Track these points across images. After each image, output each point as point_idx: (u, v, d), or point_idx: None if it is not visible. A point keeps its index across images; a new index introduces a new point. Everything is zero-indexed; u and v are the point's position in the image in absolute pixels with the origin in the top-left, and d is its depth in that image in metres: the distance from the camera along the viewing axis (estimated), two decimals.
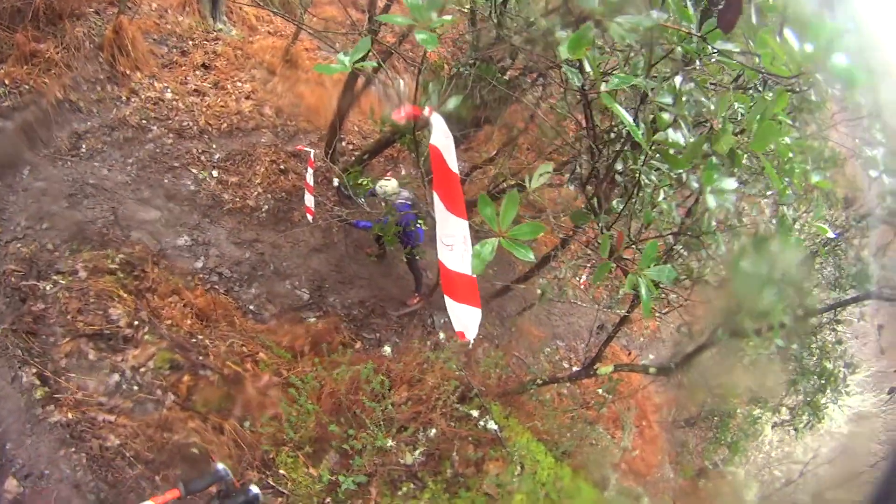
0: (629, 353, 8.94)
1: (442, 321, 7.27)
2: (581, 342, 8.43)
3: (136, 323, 5.89)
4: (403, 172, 8.62)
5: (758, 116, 2.36)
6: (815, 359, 6.47)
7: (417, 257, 6.99)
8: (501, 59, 5.39)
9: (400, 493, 5.47)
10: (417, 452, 5.63)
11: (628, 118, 2.51)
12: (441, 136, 3.15)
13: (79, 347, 5.59)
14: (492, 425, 5.98)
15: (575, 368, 7.57)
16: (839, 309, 6.33)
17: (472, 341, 3.66)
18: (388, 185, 6.54)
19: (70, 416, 5.17)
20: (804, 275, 5.53)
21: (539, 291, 6.50)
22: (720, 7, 2.29)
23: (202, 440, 5.35)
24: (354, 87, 7.65)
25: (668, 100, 2.67)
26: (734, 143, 2.66)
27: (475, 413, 5.96)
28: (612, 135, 3.47)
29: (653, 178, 3.17)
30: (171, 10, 9.07)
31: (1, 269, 5.92)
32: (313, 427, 5.47)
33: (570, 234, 6.62)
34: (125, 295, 6.02)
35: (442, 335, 6.95)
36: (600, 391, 7.37)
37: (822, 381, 6.56)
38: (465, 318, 3.59)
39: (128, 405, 5.42)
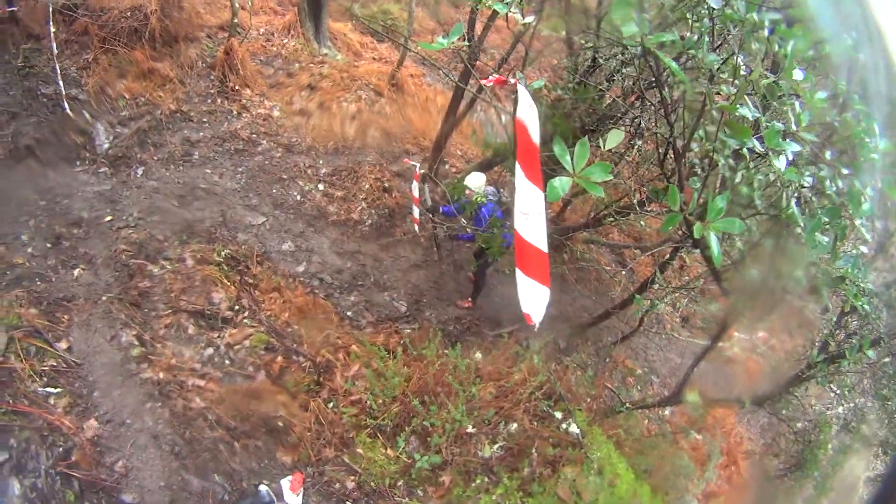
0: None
1: (536, 346, 7.54)
2: (676, 379, 8.30)
3: (236, 307, 6.62)
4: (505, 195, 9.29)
5: None
6: None
7: (491, 261, 7.37)
8: (599, 82, 5.79)
9: (473, 485, 5.79)
10: (496, 446, 5.96)
11: (674, 64, 2.84)
12: (526, 108, 3.36)
13: (179, 321, 6.32)
14: (574, 429, 6.25)
15: (669, 409, 7.80)
16: None
17: (537, 325, 3.67)
18: (478, 179, 6.97)
19: (161, 375, 5.83)
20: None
21: (640, 312, 6.88)
22: None
23: (287, 413, 5.91)
24: (457, 110, 8.49)
25: (716, 58, 3.02)
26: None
27: (559, 415, 6.27)
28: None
29: (729, 159, 3.37)
30: (276, 34, 10.33)
31: (112, 249, 6.83)
32: (395, 409, 5.91)
33: (666, 257, 7.00)
34: (228, 284, 6.79)
35: (535, 359, 7.18)
36: (689, 428, 7.56)
37: None
38: (534, 297, 3.64)
39: (218, 374, 6.06)
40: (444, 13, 11.51)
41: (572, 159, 2.81)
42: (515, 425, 6.11)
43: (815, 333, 5.73)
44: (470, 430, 5.88)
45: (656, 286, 6.65)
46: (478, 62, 8.05)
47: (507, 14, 4.18)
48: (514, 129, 3.47)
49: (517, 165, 3.50)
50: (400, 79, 10.15)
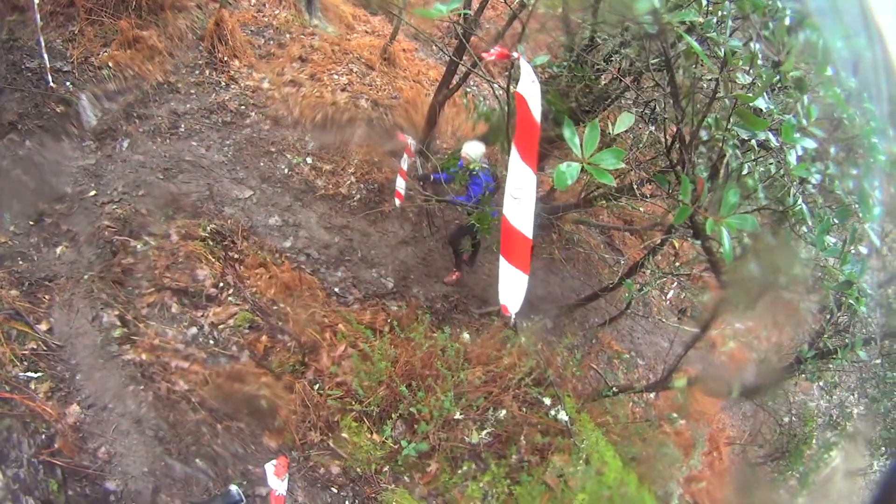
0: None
1: (524, 325, 7.48)
2: (661, 363, 8.47)
3: (220, 285, 6.46)
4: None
5: None
6: None
7: (478, 238, 7.21)
8: (596, 61, 5.68)
9: (460, 471, 5.71)
10: (484, 433, 5.86)
11: (697, 45, 2.73)
12: (528, 83, 3.29)
13: (162, 300, 6.16)
14: (563, 416, 6.16)
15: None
16: None
17: (513, 316, 3.75)
18: (476, 147, 6.88)
19: (144, 357, 5.69)
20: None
21: (629, 297, 6.84)
22: None
23: (272, 394, 5.78)
24: (450, 83, 8.36)
25: (738, 43, 2.90)
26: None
27: (547, 401, 6.19)
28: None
29: (737, 150, 3.34)
30: (268, 5, 10.02)
31: (96, 225, 6.63)
32: (382, 393, 5.77)
33: (657, 243, 6.91)
34: (213, 260, 6.62)
35: (522, 339, 7.13)
36: (674, 415, 7.54)
37: None
38: (513, 286, 3.72)
39: (202, 355, 5.91)
40: None
41: (581, 143, 2.66)
42: (504, 412, 6.02)
43: (805, 328, 5.61)
44: (458, 416, 5.76)
45: (648, 272, 6.61)
46: (473, 37, 7.87)
47: None
48: (513, 104, 3.39)
49: (513, 146, 3.41)
50: (392, 53, 9.93)
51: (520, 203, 3.47)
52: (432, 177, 7.49)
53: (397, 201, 7.51)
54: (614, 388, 6.78)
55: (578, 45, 5.97)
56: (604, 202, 7.05)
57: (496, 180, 6.89)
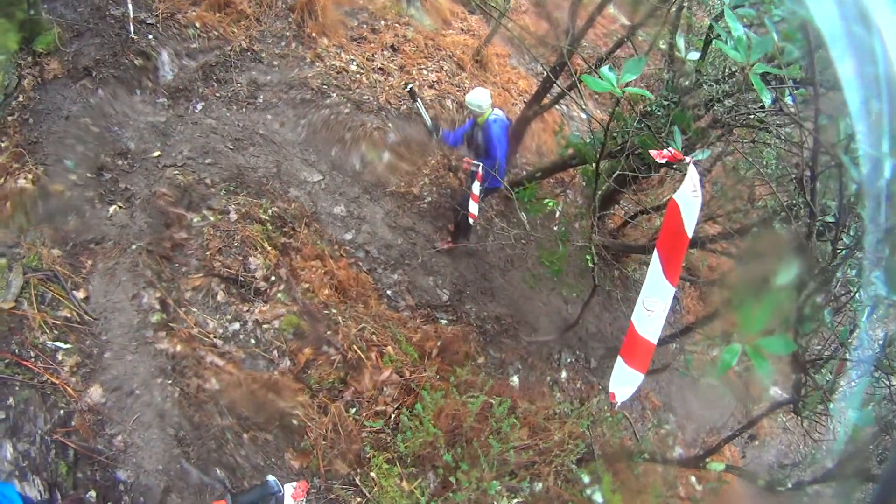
0: (743, 456, 8.37)
1: (567, 360, 7.14)
2: (691, 422, 7.97)
3: (272, 278, 5.94)
4: (570, 198, 8.58)
5: None
6: None
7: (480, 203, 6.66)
8: (696, 105, 5.21)
9: None
10: (514, 502, 5.31)
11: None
12: (688, 191, 3.03)
13: (209, 285, 5.67)
14: (598, 497, 5.64)
15: (679, 449, 7.35)
16: None
17: (619, 404, 3.76)
18: (482, 95, 6.23)
19: (179, 348, 5.23)
20: None
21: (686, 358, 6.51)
22: None
23: (304, 415, 5.24)
24: (542, 100, 7.71)
25: None
26: None
27: (586, 478, 5.65)
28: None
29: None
30: None
31: (152, 190, 6.15)
32: (421, 440, 5.21)
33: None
34: (269, 248, 6.11)
35: (564, 374, 6.90)
36: (698, 486, 6.95)
37: None
38: (626, 380, 3.56)
39: (240, 355, 5.41)
40: None
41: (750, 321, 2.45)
42: (540, 485, 5.45)
43: None
44: (497, 487, 5.13)
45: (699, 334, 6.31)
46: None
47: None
48: (666, 211, 3.08)
49: (655, 254, 3.20)
50: (485, 55, 9.30)
51: (651, 315, 3.26)
52: (441, 132, 6.84)
53: (471, 220, 6.84)
54: (646, 455, 6.24)
55: (680, 84, 5.43)
56: None
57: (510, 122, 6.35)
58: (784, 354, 2.54)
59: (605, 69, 2.85)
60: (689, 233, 3.05)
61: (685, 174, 3.09)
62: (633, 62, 2.86)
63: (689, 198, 2.99)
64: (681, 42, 3.98)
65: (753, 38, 2.88)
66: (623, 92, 2.89)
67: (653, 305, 3.21)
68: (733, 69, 4.70)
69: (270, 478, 4.77)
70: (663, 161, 3.25)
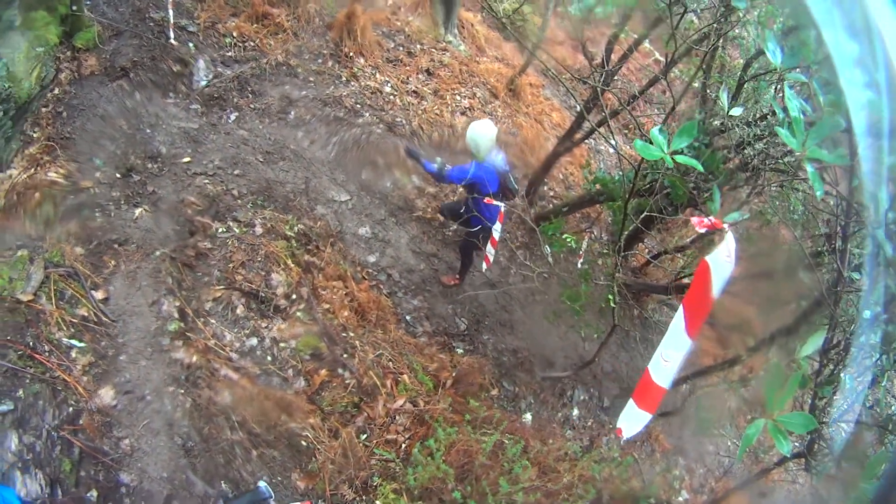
0: None
1: (581, 398, 7.01)
2: (701, 466, 7.73)
3: (293, 296, 5.82)
4: (595, 233, 8.46)
5: None
6: None
7: (479, 240, 6.30)
8: (726, 147, 5.26)
9: None
10: None
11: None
12: (722, 255, 3.00)
13: (229, 298, 5.57)
14: None
15: (685, 494, 7.17)
16: None
17: (625, 439, 3.90)
18: (487, 129, 5.73)
19: (194, 359, 5.13)
20: None
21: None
22: None
23: (314, 437, 5.13)
24: (574, 135, 7.64)
25: None
26: None
27: None
28: None
29: None
30: (403, 9, 9.51)
31: (181, 198, 6.09)
32: (430, 473, 5.03)
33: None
34: (292, 265, 6.00)
35: (576, 412, 6.79)
36: None
37: None
38: (635, 419, 3.70)
39: (255, 371, 5.30)
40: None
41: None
42: None
43: None
44: None
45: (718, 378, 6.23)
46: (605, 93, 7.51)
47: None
48: (696, 270, 3.13)
49: (681, 309, 3.24)
50: (519, 85, 9.27)
51: (668, 364, 3.35)
52: (445, 171, 5.87)
53: (485, 266, 6.68)
54: (651, 501, 6.08)
55: (711, 125, 5.52)
56: None
57: (500, 177, 5.91)
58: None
59: (654, 131, 2.78)
60: (716, 295, 3.06)
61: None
62: (686, 127, 2.80)
63: (721, 262, 2.99)
64: (724, 97, 3.87)
65: (810, 111, 2.85)
66: (674, 161, 2.84)
67: (670, 357, 3.29)
68: (764, 111, 4.70)
69: (261, 483, 4.69)
70: (703, 230, 3.17)
